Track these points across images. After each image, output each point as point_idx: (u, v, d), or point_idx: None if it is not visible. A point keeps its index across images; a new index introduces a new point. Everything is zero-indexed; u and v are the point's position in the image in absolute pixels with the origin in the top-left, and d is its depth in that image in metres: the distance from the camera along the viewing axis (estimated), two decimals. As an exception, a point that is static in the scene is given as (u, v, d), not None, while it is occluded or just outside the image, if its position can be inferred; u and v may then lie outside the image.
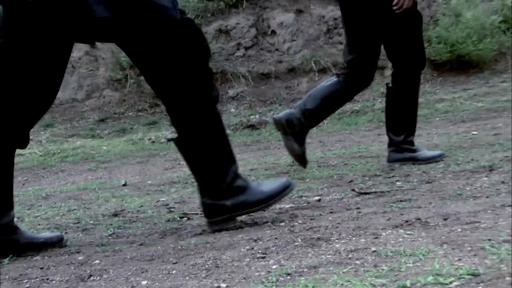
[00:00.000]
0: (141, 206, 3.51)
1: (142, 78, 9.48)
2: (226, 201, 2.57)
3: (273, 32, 10.64)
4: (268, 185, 2.76)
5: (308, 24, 10.76)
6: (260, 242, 2.18)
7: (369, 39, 4.00)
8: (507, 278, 1.37)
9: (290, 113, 4.15)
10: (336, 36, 10.79)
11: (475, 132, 5.75)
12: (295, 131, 4.10)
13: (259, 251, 2.02)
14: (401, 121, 4.15)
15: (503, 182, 2.99)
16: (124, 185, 4.56)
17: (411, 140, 4.15)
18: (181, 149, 2.67)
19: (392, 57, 4.15)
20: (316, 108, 4.11)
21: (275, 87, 9.74)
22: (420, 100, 8.68)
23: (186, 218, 3.02)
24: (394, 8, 3.74)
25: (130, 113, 9.27)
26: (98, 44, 10.08)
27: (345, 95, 4.27)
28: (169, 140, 2.80)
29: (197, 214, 3.05)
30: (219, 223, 2.58)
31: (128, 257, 2.21)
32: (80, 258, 2.28)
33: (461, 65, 9.57)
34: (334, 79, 4.20)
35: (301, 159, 4.20)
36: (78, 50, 9.83)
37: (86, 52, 9.93)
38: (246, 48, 10.42)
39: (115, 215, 3.31)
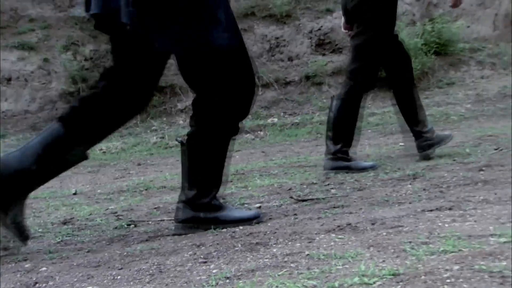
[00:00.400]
0: (90, 214, 3.45)
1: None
2: (200, 213, 2.60)
3: (220, 49, 10.63)
4: (241, 212, 2.81)
5: (252, 43, 10.82)
6: (203, 248, 2.17)
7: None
8: (422, 277, 1.41)
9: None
10: (278, 54, 10.89)
11: (402, 144, 5.86)
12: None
13: (201, 256, 2.01)
14: (341, 131, 4.22)
15: (424, 189, 3.07)
16: (75, 194, 4.48)
17: (347, 150, 4.21)
18: (191, 147, 2.69)
19: None
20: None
21: (221, 100, 9.73)
22: (354, 113, 8.87)
23: (133, 225, 2.98)
24: None
25: (82, 125, 9.12)
26: (51, 58, 10.00)
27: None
28: (180, 141, 2.78)
29: (144, 221, 3.04)
30: (185, 228, 2.60)
31: (75, 264, 2.16)
32: (27, 265, 2.23)
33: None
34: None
35: None
36: (31, 64, 9.68)
37: (39, 66, 9.77)
38: (193, 65, 10.40)
39: (64, 223, 3.24)
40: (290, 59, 10.82)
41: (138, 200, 3.83)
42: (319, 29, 11.22)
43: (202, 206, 2.60)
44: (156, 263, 2.00)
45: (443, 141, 4.35)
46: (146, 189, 4.27)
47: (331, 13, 11.30)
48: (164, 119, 9.17)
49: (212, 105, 2.58)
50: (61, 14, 10.48)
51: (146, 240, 2.55)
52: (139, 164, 6.33)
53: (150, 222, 2.99)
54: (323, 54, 11.00)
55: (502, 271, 1.40)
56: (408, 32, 9.96)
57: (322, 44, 11.18)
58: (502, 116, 7.04)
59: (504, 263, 1.47)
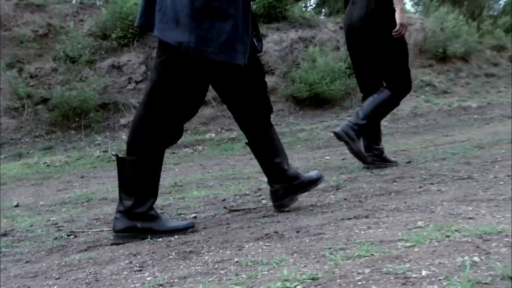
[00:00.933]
0: (31, 226, 3.32)
1: (39, 107, 9.21)
2: (137, 222, 2.57)
3: (161, 69, 10.62)
4: (176, 222, 2.79)
5: (191, 63, 10.83)
6: (139, 256, 2.15)
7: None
8: (338, 280, 1.45)
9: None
10: (215, 74, 10.90)
11: (327, 157, 5.95)
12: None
13: (137, 265, 1.99)
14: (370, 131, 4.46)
15: (345, 199, 3.11)
16: (17, 206, 4.29)
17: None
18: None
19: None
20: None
21: (162, 117, 9.69)
22: (284, 130, 8.98)
23: (73, 236, 2.90)
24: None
25: (26, 139, 8.89)
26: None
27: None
28: (115, 154, 2.83)
29: (83, 232, 2.97)
30: (122, 238, 2.56)
31: (12, 275, 2.09)
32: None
33: (318, 102, 9.86)
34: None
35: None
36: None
37: (-16, 82, 9.54)
38: (137, 82, 10.35)
39: (4, 234, 3.11)
40: (227, 79, 10.85)
41: (79, 211, 3.73)
42: (254, 52, 11.27)
43: (138, 216, 2.58)
44: (93, 272, 1.97)
45: None
46: (87, 201, 4.17)
47: (264, 38, 11.43)
48: (108, 134, 9.05)
49: None
50: (6, 33, 10.22)
51: (85, 250, 2.49)
52: (82, 177, 6.19)
53: (89, 233, 2.93)
54: (257, 74, 11.05)
55: (405, 272, 1.45)
56: (333, 57, 10.16)
57: (256, 66, 11.24)
58: (413, 133, 7.25)
59: (408, 265, 1.52)
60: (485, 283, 1.32)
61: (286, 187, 2.93)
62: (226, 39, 2.42)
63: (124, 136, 8.91)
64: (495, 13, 16.65)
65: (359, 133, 4.25)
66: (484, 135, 5.92)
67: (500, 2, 16.89)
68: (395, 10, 4.08)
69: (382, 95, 4.31)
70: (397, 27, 4.07)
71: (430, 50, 10.75)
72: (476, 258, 1.52)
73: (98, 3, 13.74)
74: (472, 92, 8.57)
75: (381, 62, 4.37)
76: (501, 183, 2.99)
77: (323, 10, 19.61)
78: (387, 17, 4.13)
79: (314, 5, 20.10)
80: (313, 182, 3.03)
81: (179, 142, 7.98)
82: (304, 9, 14.77)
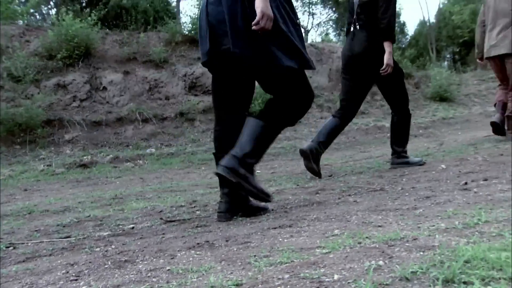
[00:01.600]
0: None
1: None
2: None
3: (105, 88, 10.51)
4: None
5: (134, 83, 10.74)
6: (76, 266, 2.09)
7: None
8: (260, 286, 1.46)
9: (311, 145, 4.51)
10: (156, 94, 10.85)
11: (258, 171, 5.97)
12: (314, 156, 4.48)
13: (73, 274, 1.94)
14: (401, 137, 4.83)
15: (272, 210, 3.13)
16: None
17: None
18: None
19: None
20: (326, 139, 4.62)
21: (105, 133, 9.54)
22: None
23: (12, 248, 2.76)
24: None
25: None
26: None
27: (340, 127, 4.77)
28: None
29: (23, 243, 2.85)
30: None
31: None
32: None
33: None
34: (331, 118, 4.76)
35: (317, 174, 4.54)
36: None
37: None
38: (81, 100, 10.15)
39: None
40: (167, 98, 10.82)
41: (20, 223, 3.58)
42: (192, 74, 11.33)
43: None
44: (29, 283, 1.90)
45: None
46: (29, 213, 4.01)
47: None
48: (52, 148, 8.79)
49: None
50: None
51: (23, 261, 2.39)
52: (25, 190, 5.97)
53: (29, 244, 2.82)
54: (195, 95, 11.08)
55: (320, 277, 1.47)
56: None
57: (194, 86, 11.28)
58: (335, 149, 7.37)
59: (323, 270, 1.55)
60: (386, 284, 1.35)
61: None
62: None
63: (68, 151, 8.71)
64: (403, 46, 17.27)
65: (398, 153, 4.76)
66: (396, 151, 6.08)
67: (407, 36, 17.57)
68: (383, 51, 4.43)
69: (396, 119, 4.83)
70: (384, 66, 4.42)
71: (350, 75, 10.96)
72: (381, 262, 1.56)
73: (44, 25, 13.44)
74: (386, 114, 8.80)
75: (387, 87, 4.80)
76: (407, 194, 3.08)
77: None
78: (377, 54, 4.47)
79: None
80: None
81: (120, 156, 7.81)
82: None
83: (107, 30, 12.51)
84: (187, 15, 16.48)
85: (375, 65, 4.49)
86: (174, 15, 16.25)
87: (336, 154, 6.66)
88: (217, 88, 3.11)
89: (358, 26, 4.54)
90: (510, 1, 5.76)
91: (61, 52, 10.40)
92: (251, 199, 3.06)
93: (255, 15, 2.57)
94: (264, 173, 5.66)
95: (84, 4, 14.35)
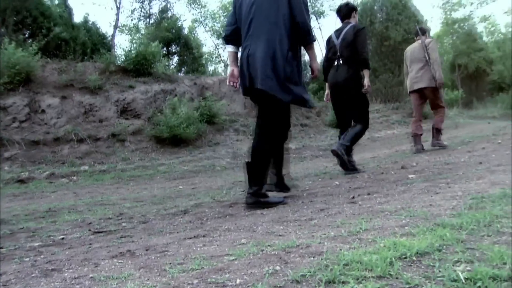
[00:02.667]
0: None
1: None
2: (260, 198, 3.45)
3: (43, 111, 10.10)
4: (275, 198, 3.59)
5: (71, 107, 10.42)
6: (4, 276, 1.98)
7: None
8: (171, 290, 1.46)
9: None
10: (91, 117, 10.58)
11: (181, 186, 5.93)
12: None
13: (2, 284, 1.83)
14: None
15: (190, 221, 3.10)
16: None
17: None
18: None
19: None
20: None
21: (43, 151, 9.16)
22: (147, 164, 8.79)
23: None
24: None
25: None
26: None
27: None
28: None
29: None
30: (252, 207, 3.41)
31: None
32: None
33: (176, 141, 9.84)
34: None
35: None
36: None
37: None
38: (21, 122, 9.71)
39: None
40: (101, 121, 10.58)
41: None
42: (124, 99, 11.15)
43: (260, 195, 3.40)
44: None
45: None
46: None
47: (133, 88, 11.33)
48: (-8, 165, 8.34)
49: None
50: None
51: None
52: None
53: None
54: (126, 118, 10.90)
55: (224, 281, 1.49)
56: (188, 106, 10.21)
57: (125, 111, 11.09)
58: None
59: (228, 275, 1.56)
60: (280, 287, 1.39)
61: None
62: None
63: (6, 167, 8.28)
64: (308, 80, 17.77)
65: (346, 151, 5.13)
66: (299, 169, 6.23)
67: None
68: (362, 77, 5.21)
69: (357, 128, 5.27)
70: (366, 87, 5.17)
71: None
72: (277, 267, 1.59)
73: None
74: (292, 138, 9.00)
75: (353, 107, 5.33)
76: (305, 207, 3.15)
77: (182, 69, 19.75)
78: (357, 81, 5.21)
79: (175, 64, 20.21)
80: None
81: (56, 173, 7.48)
82: (166, 67, 14.75)
83: (48, 59, 12.09)
84: (121, 47, 16.36)
85: (357, 88, 5.22)
86: (109, 47, 15.96)
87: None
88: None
89: (341, 61, 5.26)
90: (422, 51, 7.01)
91: (3, 78, 9.95)
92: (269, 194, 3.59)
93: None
94: (185, 188, 5.62)
95: (27, 36, 13.84)
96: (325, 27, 33.22)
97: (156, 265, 1.85)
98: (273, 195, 3.71)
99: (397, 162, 5.70)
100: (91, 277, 1.78)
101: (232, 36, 3.69)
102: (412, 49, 7.27)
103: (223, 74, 14.90)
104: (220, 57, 16.44)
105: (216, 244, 2.20)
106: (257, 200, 3.40)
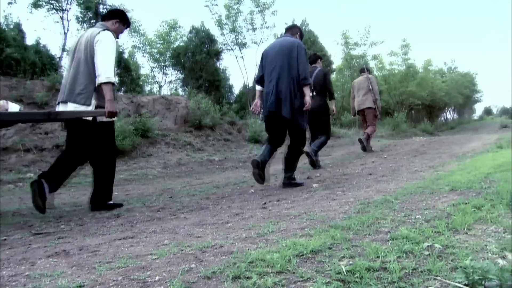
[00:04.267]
0: None
1: None
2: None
3: (-9, 123, 9.43)
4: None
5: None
6: None
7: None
8: (98, 286, 1.42)
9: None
10: (38, 129, 10.00)
11: (116, 193, 5.71)
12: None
13: None
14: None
15: (121, 224, 3.01)
16: None
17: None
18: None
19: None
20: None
21: (-9, 160, 8.56)
22: (88, 172, 8.40)
23: None
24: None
25: None
26: None
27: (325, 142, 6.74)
28: None
29: None
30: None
31: None
32: None
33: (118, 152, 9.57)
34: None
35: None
36: None
37: None
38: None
39: None
40: (46, 133, 10.01)
41: None
42: (67, 115, 10.64)
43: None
44: None
45: None
46: None
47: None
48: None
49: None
50: None
51: None
52: None
53: None
54: (69, 131, 10.43)
55: (145, 278, 1.47)
56: (125, 121, 9.92)
57: (68, 125, 10.59)
58: (177, 177, 7.31)
59: (149, 272, 1.55)
60: (193, 282, 1.40)
61: None
62: None
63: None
64: (231, 101, 17.96)
65: (315, 153, 6.33)
66: (222, 179, 6.22)
67: (234, 94, 18.37)
68: (329, 105, 6.55)
69: (323, 138, 6.47)
70: (333, 111, 6.61)
71: (191, 121, 11.02)
72: (193, 265, 1.60)
73: None
74: (216, 150, 9.01)
75: (322, 124, 6.46)
76: (223, 211, 3.17)
77: (122, 88, 19.24)
78: (326, 106, 6.49)
79: (116, 84, 19.62)
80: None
81: (4, 179, 6.95)
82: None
83: (0, 76, 11.38)
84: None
85: (325, 111, 6.47)
86: (57, 68, 15.28)
87: (177, 180, 6.63)
88: (269, 128, 4.63)
89: (314, 93, 5.81)
90: (366, 83, 8.36)
91: None
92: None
93: (297, 100, 4.39)
94: (120, 195, 5.43)
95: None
96: (246, 56, 33.78)
97: (87, 264, 1.80)
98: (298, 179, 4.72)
99: (304, 173, 5.86)
100: (27, 275, 1.70)
101: (260, 80, 4.68)
102: (358, 81, 8.64)
103: (157, 94, 14.62)
104: (155, 79, 16.16)
105: (142, 244, 2.16)
106: (290, 182, 4.49)
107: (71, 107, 3.60)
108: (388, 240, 1.83)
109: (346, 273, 1.43)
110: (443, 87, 23.46)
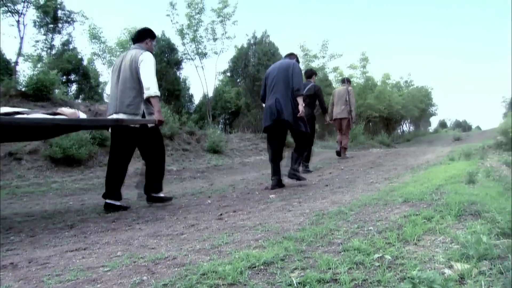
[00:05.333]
0: None
1: None
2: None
3: None
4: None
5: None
6: None
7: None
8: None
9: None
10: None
11: (71, 202, 5.56)
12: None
13: None
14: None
15: (75, 235, 2.92)
16: None
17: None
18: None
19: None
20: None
21: None
22: (41, 181, 8.11)
23: None
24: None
25: None
26: None
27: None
28: None
29: None
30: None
31: None
32: None
33: (69, 161, 9.24)
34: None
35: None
36: None
37: None
38: None
39: None
40: (-3, 140, 9.61)
41: None
42: (20, 122, 10.23)
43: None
44: None
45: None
46: None
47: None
48: None
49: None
50: None
51: None
52: None
53: None
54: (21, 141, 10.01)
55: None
56: (83, 132, 9.67)
57: (22, 133, 10.18)
58: (134, 187, 7.09)
59: (99, 285, 1.51)
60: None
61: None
62: None
63: None
64: (191, 111, 17.86)
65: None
66: (179, 189, 6.15)
67: (194, 104, 18.29)
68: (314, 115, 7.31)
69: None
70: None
71: (150, 130, 10.88)
72: (145, 277, 1.58)
73: None
74: (174, 160, 8.90)
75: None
76: (179, 222, 3.14)
77: (80, 95, 18.74)
78: (312, 117, 7.20)
79: (73, 92, 19.12)
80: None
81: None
82: (65, 93, 13.87)
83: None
84: (23, 74, 15.14)
85: (313, 121, 7.22)
86: (11, 73, 14.68)
87: (134, 190, 6.46)
88: (271, 137, 5.32)
89: (304, 104, 5.55)
90: (345, 95, 9.11)
91: None
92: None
93: (295, 108, 5.03)
94: (75, 204, 5.27)
95: None
96: (206, 66, 33.85)
97: (36, 277, 1.74)
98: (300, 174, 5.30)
99: (262, 183, 5.87)
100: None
101: (263, 97, 5.40)
102: (339, 91, 9.44)
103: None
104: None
105: (94, 256, 2.11)
106: (295, 174, 5.15)
107: (121, 116, 4.14)
108: (340, 252, 1.85)
109: (297, 285, 1.45)
110: (400, 101, 24.21)
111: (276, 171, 5.25)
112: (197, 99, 19.02)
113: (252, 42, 20.88)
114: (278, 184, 5.16)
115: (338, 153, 9.41)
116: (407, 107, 26.24)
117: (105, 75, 19.80)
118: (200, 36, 13.98)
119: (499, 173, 4.79)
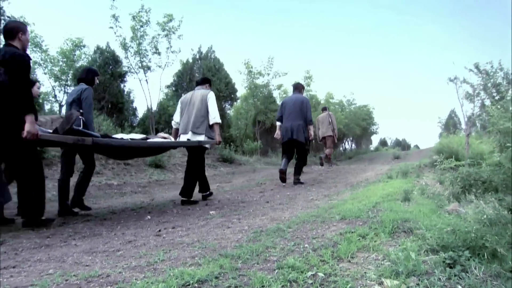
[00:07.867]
0: None
1: None
2: None
3: None
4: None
5: None
6: None
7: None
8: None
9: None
10: None
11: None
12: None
13: None
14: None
15: (5, 252, 2.73)
16: None
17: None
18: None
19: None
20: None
21: None
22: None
23: None
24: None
25: None
26: None
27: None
28: None
29: None
30: None
31: None
32: None
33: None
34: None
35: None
36: None
37: None
38: None
39: None
40: None
41: None
42: None
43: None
44: None
45: None
46: None
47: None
48: None
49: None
50: None
51: None
52: None
53: None
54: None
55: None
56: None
57: None
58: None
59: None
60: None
61: None
62: None
63: None
64: (134, 124, 17.47)
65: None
66: (119, 204, 5.96)
67: (137, 118, 17.95)
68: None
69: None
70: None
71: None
72: (76, 296, 1.53)
73: None
74: (115, 174, 8.63)
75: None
76: (116, 238, 3.05)
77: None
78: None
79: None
80: None
81: None
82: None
83: None
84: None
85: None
86: None
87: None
88: (286, 149, 7.16)
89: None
90: (328, 119, 11.91)
91: None
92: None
93: (305, 133, 7.01)
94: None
95: None
96: (151, 79, 33.54)
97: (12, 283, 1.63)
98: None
99: (204, 201, 5.83)
100: None
101: (279, 119, 7.27)
102: (322, 116, 12.15)
103: (58, 113, 13.64)
104: (56, 98, 15.13)
105: (23, 274, 2.01)
106: (298, 181, 7.06)
107: (190, 135, 5.51)
108: (275, 269, 1.87)
109: (228, 301, 1.46)
110: (342, 119, 24.93)
111: (284, 165, 7.04)
112: (141, 113, 18.67)
113: (197, 57, 20.82)
114: (282, 175, 7.03)
115: (322, 163, 11.62)
116: (349, 125, 27.06)
117: (47, 85, 18.87)
118: (145, 50, 13.73)
119: (433, 190, 5.03)
